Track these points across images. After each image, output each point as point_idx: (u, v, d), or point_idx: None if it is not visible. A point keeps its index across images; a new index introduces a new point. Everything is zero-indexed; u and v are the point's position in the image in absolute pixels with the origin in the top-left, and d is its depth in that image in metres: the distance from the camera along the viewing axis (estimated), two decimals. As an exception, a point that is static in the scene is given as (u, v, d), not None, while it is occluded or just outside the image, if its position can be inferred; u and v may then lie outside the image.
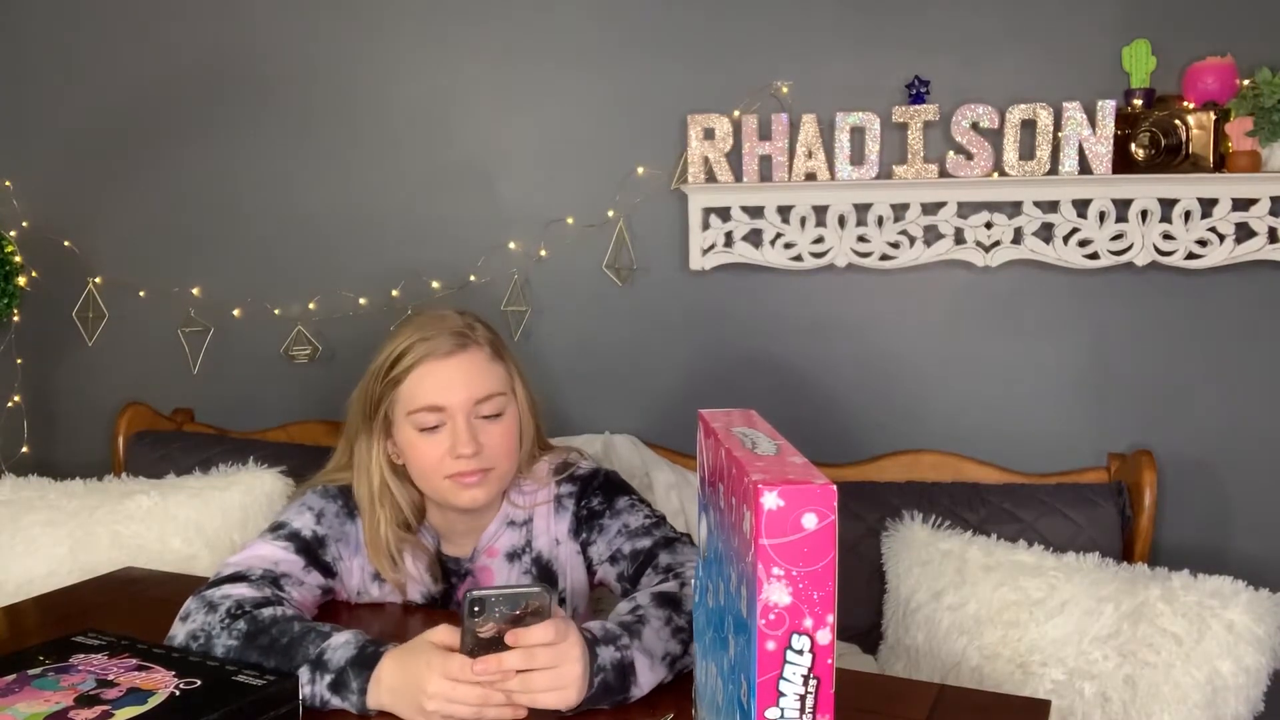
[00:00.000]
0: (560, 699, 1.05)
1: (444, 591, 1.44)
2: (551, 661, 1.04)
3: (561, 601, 1.44)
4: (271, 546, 1.33)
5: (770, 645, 0.73)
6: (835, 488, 0.72)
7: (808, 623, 0.73)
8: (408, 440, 1.36)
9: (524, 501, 1.44)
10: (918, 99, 1.96)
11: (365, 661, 1.10)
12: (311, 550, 1.35)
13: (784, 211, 2.06)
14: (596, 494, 1.43)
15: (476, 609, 1.03)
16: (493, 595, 1.03)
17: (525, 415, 1.42)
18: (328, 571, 1.37)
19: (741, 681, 0.78)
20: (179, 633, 1.21)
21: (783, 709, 0.74)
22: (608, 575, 1.40)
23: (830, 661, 0.74)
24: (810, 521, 0.72)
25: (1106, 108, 1.84)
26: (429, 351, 1.34)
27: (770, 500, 0.72)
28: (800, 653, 0.73)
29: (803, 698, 0.74)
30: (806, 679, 0.74)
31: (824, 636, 0.73)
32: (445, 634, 1.09)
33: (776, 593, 0.72)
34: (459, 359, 1.35)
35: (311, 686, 1.11)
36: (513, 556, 1.44)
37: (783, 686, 0.74)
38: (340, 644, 1.13)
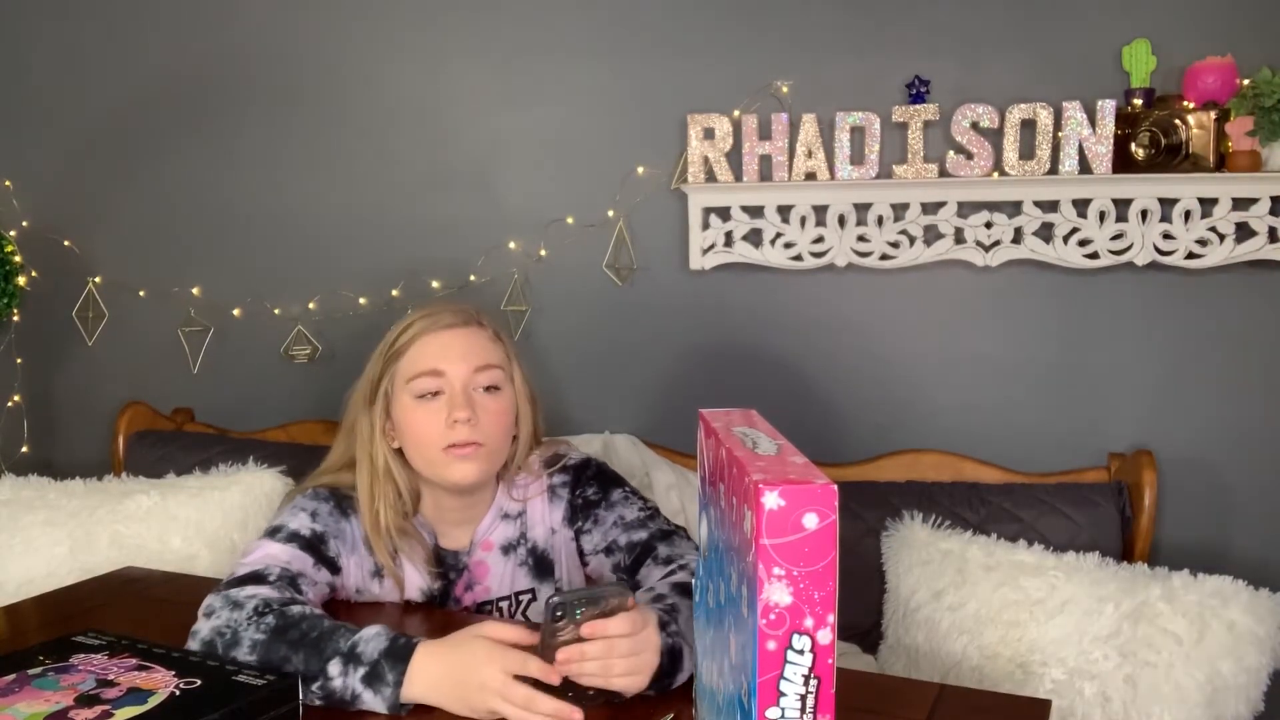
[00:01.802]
0: (635, 684, 1.07)
1: (442, 589, 1.44)
2: (631, 650, 1.06)
3: (558, 592, 1.45)
4: (279, 546, 1.33)
5: (771, 645, 0.73)
6: (836, 487, 0.72)
7: (808, 622, 0.73)
8: (405, 411, 1.37)
9: (518, 495, 1.45)
10: (918, 99, 1.96)
11: (399, 653, 1.11)
12: (315, 547, 1.35)
13: (784, 211, 2.06)
14: (591, 484, 1.44)
15: (559, 614, 1.04)
16: (574, 599, 1.05)
17: (523, 404, 1.43)
18: (333, 567, 1.37)
19: (742, 681, 0.78)
20: (203, 628, 1.20)
21: (783, 709, 0.74)
22: (601, 566, 1.40)
23: (831, 661, 0.74)
24: (811, 521, 0.72)
25: (1106, 107, 1.83)
26: (431, 324, 1.38)
27: (771, 500, 0.72)
28: (801, 652, 0.73)
29: (803, 697, 0.74)
30: (807, 679, 0.74)
31: (824, 636, 0.73)
32: (496, 628, 1.10)
33: (777, 592, 0.73)
34: (460, 330, 1.38)
35: (343, 679, 1.11)
36: (508, 549, 1.45)
37: (783, 686, 0.74)
38: (372, 636, 1.13)
